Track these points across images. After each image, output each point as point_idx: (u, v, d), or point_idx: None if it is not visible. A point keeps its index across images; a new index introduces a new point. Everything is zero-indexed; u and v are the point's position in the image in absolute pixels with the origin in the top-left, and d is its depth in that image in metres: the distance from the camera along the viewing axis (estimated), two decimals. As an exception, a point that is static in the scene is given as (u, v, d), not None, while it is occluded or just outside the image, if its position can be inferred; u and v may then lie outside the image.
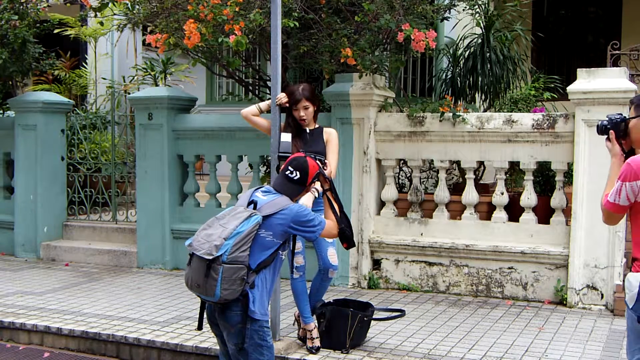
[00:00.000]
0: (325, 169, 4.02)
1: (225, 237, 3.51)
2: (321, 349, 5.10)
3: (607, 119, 3.45)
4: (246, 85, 9.03)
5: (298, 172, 3.82)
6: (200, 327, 3.79)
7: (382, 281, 7.07)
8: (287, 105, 5.12)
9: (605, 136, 3.46)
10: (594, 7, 11.59)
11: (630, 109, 3.45)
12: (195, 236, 3.62)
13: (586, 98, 6.23)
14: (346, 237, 4.01)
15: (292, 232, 3.73)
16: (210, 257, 3.47)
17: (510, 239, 6.65)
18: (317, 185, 4.23)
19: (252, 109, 5.29)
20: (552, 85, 7.99)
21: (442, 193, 6.96)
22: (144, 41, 9.82)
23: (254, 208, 3.68)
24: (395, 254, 7.03)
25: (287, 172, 3.84)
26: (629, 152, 3.41)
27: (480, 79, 8.03)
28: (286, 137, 4.93)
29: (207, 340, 5.32)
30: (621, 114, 3.45)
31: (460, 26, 8.51)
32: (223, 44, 5.94)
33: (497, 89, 8.06)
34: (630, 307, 3.25)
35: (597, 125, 3.50)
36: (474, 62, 8.01)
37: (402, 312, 5.43)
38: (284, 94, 5.11)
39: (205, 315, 3.77)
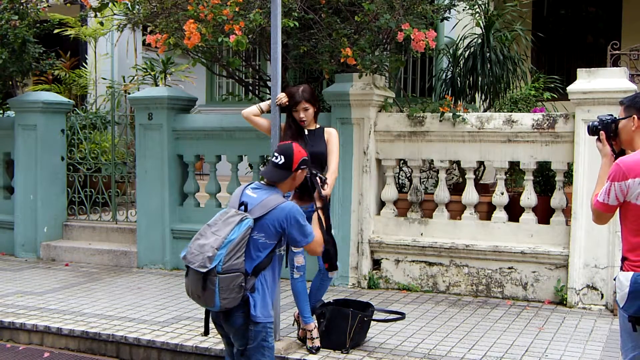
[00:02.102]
0: (324, 188, 3.94)
1: (217, 247, 3.45)
2: (321, 349, 5.10)
3: (597, 119, 3.49)
4: (246, 85, 9.03)
5: (283, 157, 3.75)
6: (206, 333, 3.78)
7: (382, 281, 7.07)
8: (287, 105, 5.12)
9: (596, 137, 3.50)
10: (594, 7, 11.59)
11: (620, 109, 3.48)
12: (189, 247, 3.55)
13: (586, 98, 6.23)
14: (330, 257, 3.93)
15: (282, 231, 3.64)
16: (204, 270, 3.43)
17: (510, 239, 6.65)
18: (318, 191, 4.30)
19: (253, 109, 5.29)
20: (552, 85, 7.99)
21: (442, 193, 6.96)
22: (144, 41, 9.81)
23: (245, 210, 3.62)
24: (395, 254, 7.03)
25: (273, 158, 3.78)
26: (619, 153, 3.45)
27: (480, 79, 8.04)
28: None
29: (207, 340, 5.32)
30: (612, 115, 3.51)
31: (460, 26, 8.51)
32: (223, 44, 5.94)
33: (497, 89, 8.06)
34: (621, 306, 3.29)
35: (588, 126, 3.57)
36: (474, 62, 8.01)
37: (402, 316, 5.42)
38: (283, 94, 5.12)
39: (210, 318, 3.75)
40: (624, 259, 3.34)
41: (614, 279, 3.40)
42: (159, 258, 8.00)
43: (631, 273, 3.26)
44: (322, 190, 3.94)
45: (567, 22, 11.63)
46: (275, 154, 3.79)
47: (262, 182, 3.82)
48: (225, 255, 3.45)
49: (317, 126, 5.25)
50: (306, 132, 5.15)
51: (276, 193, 3.71)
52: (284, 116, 5.21)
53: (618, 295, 3.31)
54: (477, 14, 7.97)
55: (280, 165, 3.75)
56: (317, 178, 3.92)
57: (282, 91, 5.19)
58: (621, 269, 3.34)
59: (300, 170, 3.81)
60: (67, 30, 11.10)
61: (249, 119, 5.29)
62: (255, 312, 3.58)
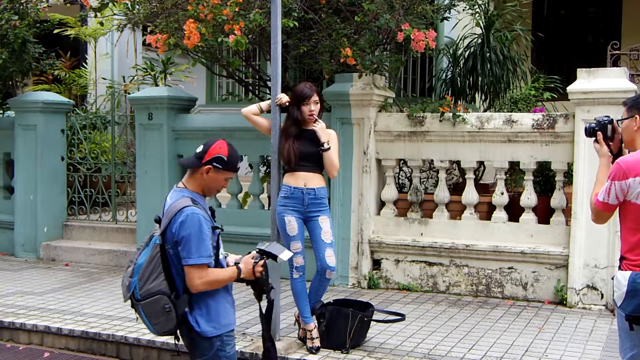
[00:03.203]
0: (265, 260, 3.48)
1: (131, 274, 3.32)
2: (321, 349, 5.10)
3: (594, 121, 3.55)
4: (246, 85, 9.02)
5: (202, 147, 3.46)
6: (178, 353, 3.61)
7: (382, 281, 7.07)
8: (287, 105, 5.12)
9: (594, 138, 3.55)
10: (594, 7, 11.59)
11: (623, 110, 3.52)
12: (122, 279, 3.42)
13: (586, 98, 6.23)
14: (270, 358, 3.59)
15: (178, 239, 3.29)
16: (125, 301, 3.36)
17: (510, 239, 6.65)
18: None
19: (252, 108, 5.29)
20: (552, 85, 7.98)
21: (442, 193, 6.96)
22: (144, 41, 9.81)
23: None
24: (395, 254, 7.03)
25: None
26: (617, 154, 3.49)
27: (480, 79, 8.03)
28: (282, 251, 3.64)
29: (207, 340, 5.32)
30: (608, 116, 3.58)
31: (460, 26, 8.51)
32: (223, 44, 5.94)
33: (497, 89, 8.06)
34: (619, 305, 3.32)
35: (585, 128, 3.65)
36: (474, 62, 8.01)
37: (402, 317, 5.42)
38: (284, 94, 5.12)
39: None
40: (622, 258, 3.37)
41: (612, 278, 3.42)
42: (159, 258, 7.98)
43: (629, 272, 3.29)
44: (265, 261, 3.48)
45: (567, 22, 11.63)
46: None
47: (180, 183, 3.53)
48: (139, 281, 3.28)
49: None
50: (307, 132, 5.14)
51: (185, 196, 3.37)
52: (283, 116, 5.21)
53: (616, 294, 3.33)
54: (477, 14, 7.97)
55: (196, 154, 3.44)
56: (269, 255, 3.48)
57: (283, 91, 5.19)
58: (619, 268, 3.37)
59: (211, 168, 3.40)
60: (67, 30, 11.10)
61: (248, 117, 5.29)
62: (200, 329, 3.36)
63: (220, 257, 3.47)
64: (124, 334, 5.56)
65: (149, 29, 7.41)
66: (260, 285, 3.46)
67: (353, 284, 7.10)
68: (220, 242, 3.48)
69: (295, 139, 5.08)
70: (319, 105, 5.13)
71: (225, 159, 3.43)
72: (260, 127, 5.30)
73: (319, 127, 5.05)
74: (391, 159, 7.11)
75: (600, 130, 3.53)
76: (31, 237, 8.77)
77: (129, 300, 3.37)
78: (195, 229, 3.25)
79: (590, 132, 3.57)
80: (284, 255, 3.53)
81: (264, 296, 3.54)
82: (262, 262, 3.40)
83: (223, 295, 3.44)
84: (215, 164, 3.40)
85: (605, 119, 3.54)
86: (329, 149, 5.03)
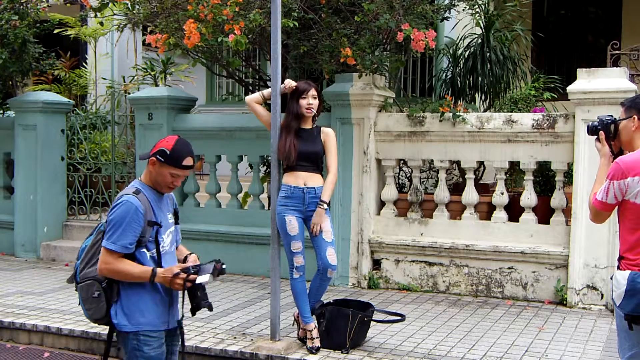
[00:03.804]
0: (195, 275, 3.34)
1: (77, 256, 3.40)
2: (321, 349, 5.10)
3: (597, 120, 3.55)
4: (246, 85, 9.01)
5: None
6: (105, 357, 3.52)
7: (382, 281, 7.07)
8: (293, 95, 5.10)
9: (595, 137, 3.55)
10: (594, 7, 11.59)
11: (621, 111, 3.53)
12: None
13: (586, 98, 6.23)
14: None
15: None
16: (68, 282, 3.42)
17: (510, 239, 6.65)
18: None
19: (255, 96, 5.33)
20: (552, 85, 7.98)
21: (442, 193, 6.96)
22: (144, 41, 9.81)
23: None
24: (395, 254, 7.03)
25: None
26: (617, 154, 3.50)
27: (480, 79, 8.03)
28: (204, 274, 3.44)
29: (207, 340, 5.33)
30: (612, 116, 3.57)
31: (460, 26, 8.51)
32: (223, 44, 5.95)
33: (497, 89, 8.06)
34: (618, 304, 3.32)
35: (588, 126, 3.64)
36: (474, 62, 8.01)
37: (402, 317, 5.41)
38: (290, 80, 5.17)
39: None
40: (621, 257, 3.38)
41: (611, 278, 3.42)
42: (159, 258, 7.97)
43: (628, 272, 3.29)
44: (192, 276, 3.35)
45: (567, 22, 11.63)
46: None
47: None
48: (80, 263, 3.36)
49: (315, 125, 5.24)
50: (306, 131, 5.14)
51: (133, 186, 3.44)
52: (283, 116, 5.21)
53: (615, 293, 3.34)
54: (477, 14, 7.97)
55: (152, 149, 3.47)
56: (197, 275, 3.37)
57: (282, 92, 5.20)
58: (618, 267, 3.38)
59: (155, 160, 3.43)
60: (67, 30, 11.10)
61: (250, 104, 5.32)
62: (117, 321, 3.32)
63: (162, 251, 3.40)
64: (124, 334, 5.55)
65: (149, 29, 7.42)
66: (190, 299, 3.39)
67: (353, 284, 7.10)
68: (161, 238, 3.40)
69: (296, 136, 5.08)
70: (317, 100, 5.13)
71: (168, 152, 3.41)
72: (260, 117, 5.30)
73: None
74: (391, 159, 7.11)
75: (603, 129, 3.53)
76: (31, 237, 8.77)
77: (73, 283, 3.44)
78: (120, 215, 3.26)
79: (592, 130, 3.57)
80: (201, 278, 3.37)
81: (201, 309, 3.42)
82: (183, 275, 3.30)
83: (149, 293, 3.36)
84: (158, 156, 3.42)
85: (609, 118, 3.53)
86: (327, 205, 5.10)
